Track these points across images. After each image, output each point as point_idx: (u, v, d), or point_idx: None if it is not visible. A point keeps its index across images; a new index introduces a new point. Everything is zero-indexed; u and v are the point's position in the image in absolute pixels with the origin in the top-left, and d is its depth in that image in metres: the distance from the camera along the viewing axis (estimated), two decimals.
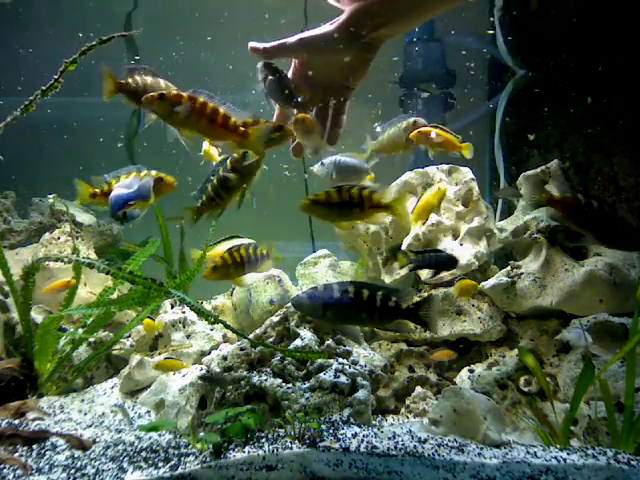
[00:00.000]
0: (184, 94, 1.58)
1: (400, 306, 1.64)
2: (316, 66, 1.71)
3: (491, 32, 3.69)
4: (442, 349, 2.68)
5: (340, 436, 1.90)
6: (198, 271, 2.73)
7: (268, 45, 1.69)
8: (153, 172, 1.90)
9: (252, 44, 1.71)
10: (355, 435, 1.92)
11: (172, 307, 3.13)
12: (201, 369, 2.51)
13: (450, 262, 2.34)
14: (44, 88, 1.92)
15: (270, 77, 1.70)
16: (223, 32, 4.18)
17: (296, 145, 1.84)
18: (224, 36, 4.14)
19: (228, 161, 1.83)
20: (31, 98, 1.94)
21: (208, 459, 1.73)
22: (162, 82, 1.76)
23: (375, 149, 2.16)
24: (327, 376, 2.23)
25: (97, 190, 1.95)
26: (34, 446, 1.95)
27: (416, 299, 1.72)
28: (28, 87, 1.94)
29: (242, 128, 1.62)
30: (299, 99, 1.72)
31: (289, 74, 1.79)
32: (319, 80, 1.74)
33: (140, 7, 4.24)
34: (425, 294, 2.88)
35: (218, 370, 2.35)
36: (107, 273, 2.00)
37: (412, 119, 2.12)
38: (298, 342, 2.37)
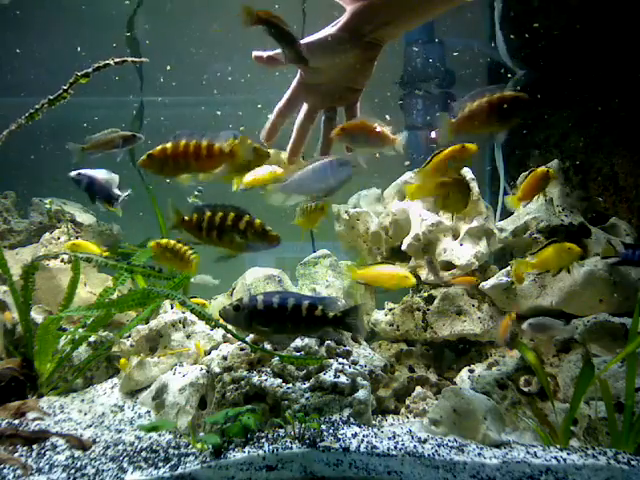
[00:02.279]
0: (167, 145, 1.62)
1: (327, 315, 1.67)
2: (321, 71, 1.70)
3: (491, 32, 3.69)
4: None
5: (340, 436, 1.90)
6: (195, 271, 2.74)
7: (272, 53, 1.68)
8: (248, 140, 1.72)
9: (256, 53, 1.70)
10: (355, 435, 1.92)
11: (172, 307, 3.13)
12: (201, 369, 2.51)
13: None
14: (51, 98, 1.91)
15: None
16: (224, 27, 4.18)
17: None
18: (226, 33, 4.15)
19: None
20: (37, 106, 1.93)
21: (208, 459, 1.73)
22: None
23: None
24: (327, 376, 2.22)
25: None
26: (34, 446, 1.95)
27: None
28: (25, 87, 1.93)
29: (227, 149, 1.64)
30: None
31: (294, 84, 1.78)
32: (325, 85, 1.73)
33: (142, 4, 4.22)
34: (425, 294, 2.88)
35: (218, 370, 2.35)
36: (105, 265, 2.00)
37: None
38: (298, 342, 2.37)
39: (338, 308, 1.69)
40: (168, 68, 4.06)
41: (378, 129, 1.70)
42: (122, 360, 2.80)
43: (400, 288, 2.72)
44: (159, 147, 1.63)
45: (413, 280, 2.51)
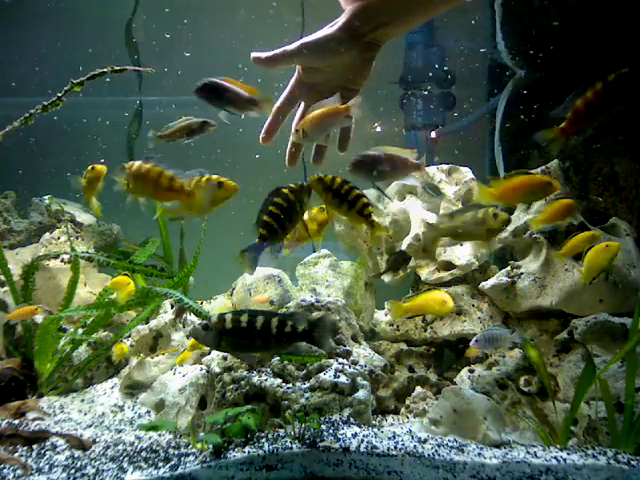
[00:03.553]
0: (136, 163, 1.68)
1: (297, 329, 1.65)
2: (319, 71, 1.70)
3: (491, 32, 3.69)
4: None
5: (340, 436, 1.90)
6: (195, 269, 2.75)
7: (270, 54, 1.68)
8: (214, 176, 1.78)
9: (254, 54, 1.70)
10: (355, 435, 1.92)
11: (172, 307, 3.13)
12: (201, 369, 2.51)
13: None
14: (45, 104, 1.93)
15: None
16: (224, 29, 4.18)
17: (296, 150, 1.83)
18: (225, 33, 4.15)
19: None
20: (32, 111, 1.95)
21: (208, 459, 1.73)
22: None
23: None
24: (327, 376, 2.22)
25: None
26: (34, 446, 1.95)
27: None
28: (23, 86, 1.94)
29: (187, 188, 1.69)
30: None
31: (291, 82, 1.78)
32: (323, 85, 1.73)
33: (141, 5, 4.21)
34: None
35: (218, 370, 2.35)
36: (107, 264, 2.00)
37: None
38: None
39: (308, 321, 1.66)
40: (186, 53, 4.04)
41: (324, 111, 1.66)
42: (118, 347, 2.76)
43: (443, 314, 2.65)
44: (129, 164, 1.69)
45: (450, 305, 2.39)
